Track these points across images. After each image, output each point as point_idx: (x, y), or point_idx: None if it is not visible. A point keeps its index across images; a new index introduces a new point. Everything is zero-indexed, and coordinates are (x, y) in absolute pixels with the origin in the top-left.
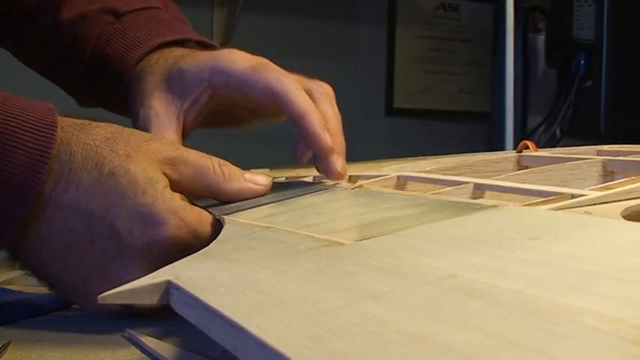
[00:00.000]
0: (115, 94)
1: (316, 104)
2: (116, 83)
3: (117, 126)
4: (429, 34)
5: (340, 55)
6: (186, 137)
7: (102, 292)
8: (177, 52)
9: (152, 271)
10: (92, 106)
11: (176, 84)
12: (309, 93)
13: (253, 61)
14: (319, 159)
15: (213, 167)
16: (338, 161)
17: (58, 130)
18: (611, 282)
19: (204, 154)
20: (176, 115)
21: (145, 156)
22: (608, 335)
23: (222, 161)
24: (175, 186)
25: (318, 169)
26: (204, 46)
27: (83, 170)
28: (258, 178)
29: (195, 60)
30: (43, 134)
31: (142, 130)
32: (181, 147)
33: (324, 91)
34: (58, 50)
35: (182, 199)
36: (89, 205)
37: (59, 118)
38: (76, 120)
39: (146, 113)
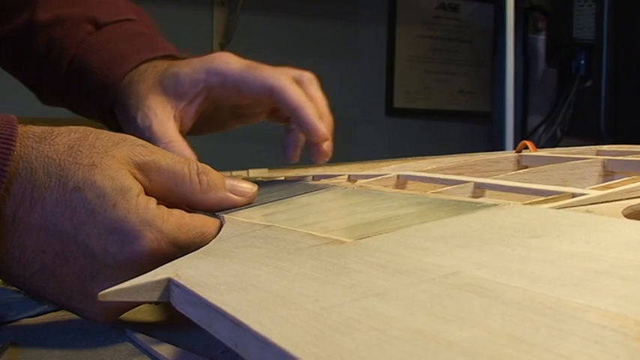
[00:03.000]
0: (95, 104)
1: (307, 90)
2: (99, 94)
3: (82, 129)
4: (429, 34)
5: (340, 55)
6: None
7: (87, 309)
8: (166, 62)
9: None
10: (55, 105)
11: (171, 86)
12: (299, 82)
13: (246, 62)
14: (311, 144)
15: (190, 175)
16: (328, 145)
17: (16, 145)
18: (615, 279)
19: (182, 159)
20: (172, 114)
21: (113, 161)
22: (612, 332)
23: (201, 167)
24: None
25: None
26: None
27: (46, 188)
28: (242, 188)
29: (189, 64)
30: None
31: (142, 130)
32: (156, 150)
33: (311, 78)
34: (32, 53)
35: (159, 206)
36: (57, 225)
37: (19, 130)
38: (37, 130)
39: (144, 113)
